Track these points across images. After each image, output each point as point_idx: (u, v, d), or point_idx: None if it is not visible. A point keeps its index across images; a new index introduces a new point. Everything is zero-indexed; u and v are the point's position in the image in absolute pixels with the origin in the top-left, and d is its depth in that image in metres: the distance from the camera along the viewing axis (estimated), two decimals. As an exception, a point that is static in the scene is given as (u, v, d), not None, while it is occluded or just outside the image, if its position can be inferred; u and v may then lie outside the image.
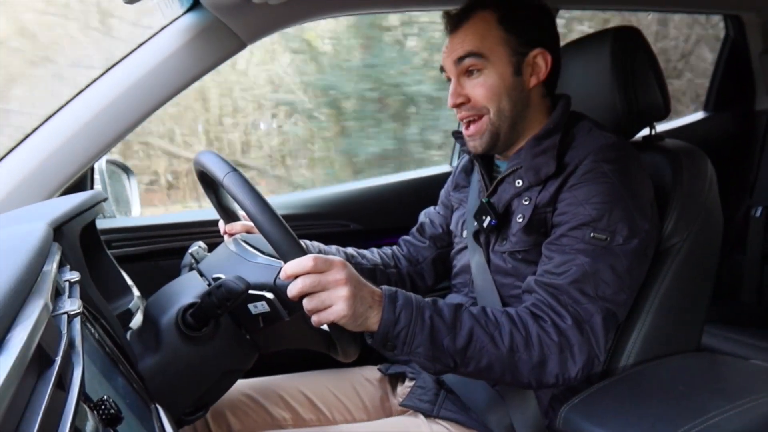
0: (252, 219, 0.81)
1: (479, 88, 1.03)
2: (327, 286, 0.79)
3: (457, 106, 1.06)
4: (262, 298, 0.90)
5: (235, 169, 0.85)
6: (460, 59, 1.03)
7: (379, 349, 0.85)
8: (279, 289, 0.90)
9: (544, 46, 1.03)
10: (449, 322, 0.86)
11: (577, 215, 0.95)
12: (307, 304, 0.80)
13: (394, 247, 1.34)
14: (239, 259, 0.99)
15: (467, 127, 1.07)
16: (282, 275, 0.80)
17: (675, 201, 1.07)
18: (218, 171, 0.86)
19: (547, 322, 0.90)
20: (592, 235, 0.93)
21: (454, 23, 1.06)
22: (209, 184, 1.06)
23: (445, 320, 0.86)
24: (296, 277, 0.80)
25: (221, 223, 1.16)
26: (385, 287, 0.86)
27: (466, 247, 1.15)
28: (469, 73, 1.04)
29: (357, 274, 0.83)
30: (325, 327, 0.99)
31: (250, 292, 0.88)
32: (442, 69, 1.09)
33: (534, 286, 0.95)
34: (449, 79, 1.08)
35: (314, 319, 0.81)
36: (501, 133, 1.05)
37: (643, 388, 0.99)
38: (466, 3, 1.07)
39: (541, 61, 1.04)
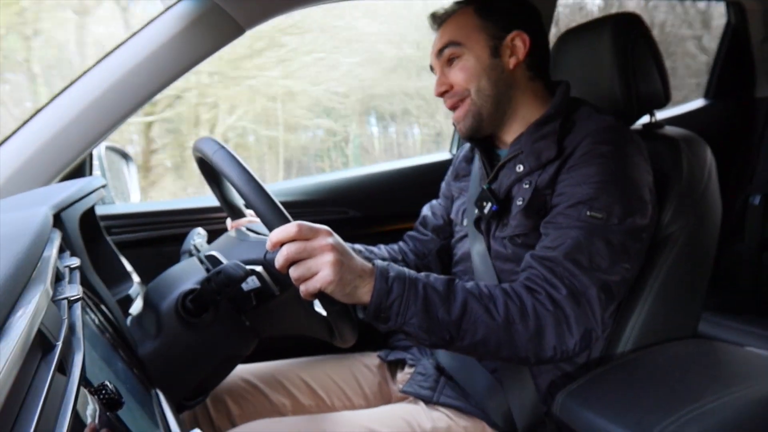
0: (237, 190, 0.82)
1: (459, 72, 1.07)
2: (313, 252, 0.79)
3: (442, 94, 1.10)
4: (253, 273, 0.91)
5: (223, 147, 0.86)
6: (441, 51, 1.08)
7: (372, 321, 0.85)
8: (268, 263, 0.90)
9: (521, 28, 1.06)
10: (443, 293, 0.86)
11: (575, 194, 0.95)
12: (293, 272, 0.80)
13: (401, 243, 1.34)
14: (235, 240, 1.00)
15: (454, 113, 1.10)
16: (268, 244, 0.80)
17: (674, 189, 1.07)
18: (208, 149, 0.87)
19: (541, 294, 0.90)
20: (588, 213, 0.93)
21: (438, 23, 1.12)
22: (212, 177, 1.06)
23: (438, 292, 0.86)
24: (283, 246, 0.80)
25: (228, 221, 1.16)
26: (377, 261, 0.86)
27: (466, 236, 1.16)
28: (449, 62, 1.08)
29: (343, 243, 0.83)
30: (321, 311, 1.00)
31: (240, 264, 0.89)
32: (431, 68, 1.13)
33: (530, 260, 0.95)
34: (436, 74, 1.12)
35: (302, 288, 0.80)
36: (484, 113, 1.07)
37: (640, 375, 0.99)
38: (450, 6, 1.12)
39: (519, 43, 1.06)
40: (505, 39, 1.06)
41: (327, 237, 0.81)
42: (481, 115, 1.07)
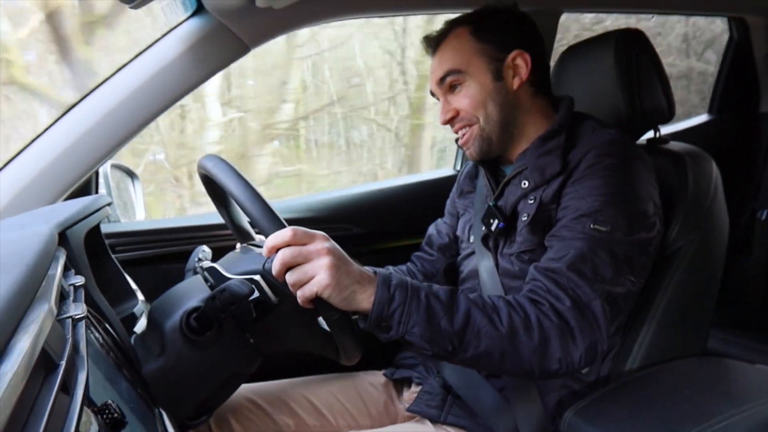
0: (233, 198, 0.82)
1: (464, 99, 1.06)
2: (309, 256, 0.79)
3: (449, 121, 1.09)
4: (252, 282, 0.90)
5: (222, 160, 0.87)
6: (442, 79, 1.08)
7: (373, 330, 0.84)
8: (266, 272, 0.90)
9: (521, 47, 1.05)
10: (446, 302, 0.85)
11: (579, 207, 0.95)
12: (289, 277, 0.79)
13: (408, 264, 1.34)
14: (237, 255, 1.01)
15: (462, 137, 1.10)
16: (264, 251, 0.80)
17: (680, 204, 1.07)
18: (209, 163, 0.88)
19: (545, 306, 0.89)
20: (592, 226, 0.93)
21: (433, 46, 1.11)
22: (220, 200, 1.06)
23: (441, 301, 0.85)
24: (278, 251, 0.79)
25: (238, 245, 1.16)
26: (379, 270, 0.86)
27: (473, 253, 1.15)
28: (452, 88, 1.08)
29: (341, 249, 0.83)
30: (324, 326, 1.00)
31: (242, 278, 0.89)
32: (432, 93, 1.13)
33: (534, 272, 0.95)
34: (439, 99, 1.11)
35: (299, 294, 0.80)
36: (493, 138, 1.07)
37: (648, 393, 0.98)
38: (442, 27, 1.11)
39: (520, 62, 1.05)
40: (506, 60, 1.05)
41: (323, 241, 0.80)
42: (490, 139, 1.07)
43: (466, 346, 0.85)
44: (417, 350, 0.86)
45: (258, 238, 1.14)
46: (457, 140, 1.16)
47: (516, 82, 1.06)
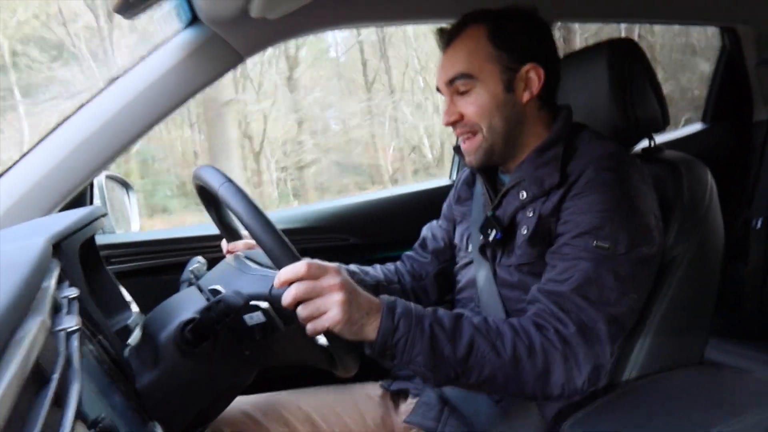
0: (245, 226, 0.81)
1: (471, 106, 1.03)
2: (321, 291, 0.79)
3: (452, 123, 1.06)
4: (258, 308, 0.89)
5: (230, 180, 0.85)
6: (451, 81, 1.04)
7: (378, 358, 0.84)
8: (274, 299, 0.89)
9: (536, 61, 1.02)
10: (449, 331, 0.85)
11: (580, 224, 0.94)
12: (301, 311, 0.79)
13: (397, 263, 1.33)
14: (237, 272, 0.99)
15: (463, 143, 1.08)
16: (276, 282, 0.80)
17: (676, 212, 1.07)
18: (214, 182, 0.86)
19: (549, 331, 0.89)
20: (594, 243, 0.92)
21: (445, 41, 1.07)
22: (209, 201, 1.05)
23: (445, 329, 0.85)
24: (290, 284, 0.79)
25: (224, 242, 1.15)
26: (384, 296, 0.85)
27: (471, 262, 1.15)
28: (460, 91, 1.04)
29: (351, 281, 0.83)
30: (323, 341, 0.99)
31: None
32: (438, 89, 1.09)
33: (537, 294, 0.94)
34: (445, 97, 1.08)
35: (309, 327, 0.80)
36: (495, 149, 1.05)
37: (646, 402, 0.98)
38: (458, 20, 1.07)
39: (533, 76, 1.03)
40: (519, 71, 1.02)
41: (335, 276, 0.80)
42: (492, 149, 1.05)
43: (470, 372, 0.86)
44: (421, 376, 0.86)
45: (244, 233, 1.13)
46: (455, 148, 1.16)
47: (526, 96, 1.03)
